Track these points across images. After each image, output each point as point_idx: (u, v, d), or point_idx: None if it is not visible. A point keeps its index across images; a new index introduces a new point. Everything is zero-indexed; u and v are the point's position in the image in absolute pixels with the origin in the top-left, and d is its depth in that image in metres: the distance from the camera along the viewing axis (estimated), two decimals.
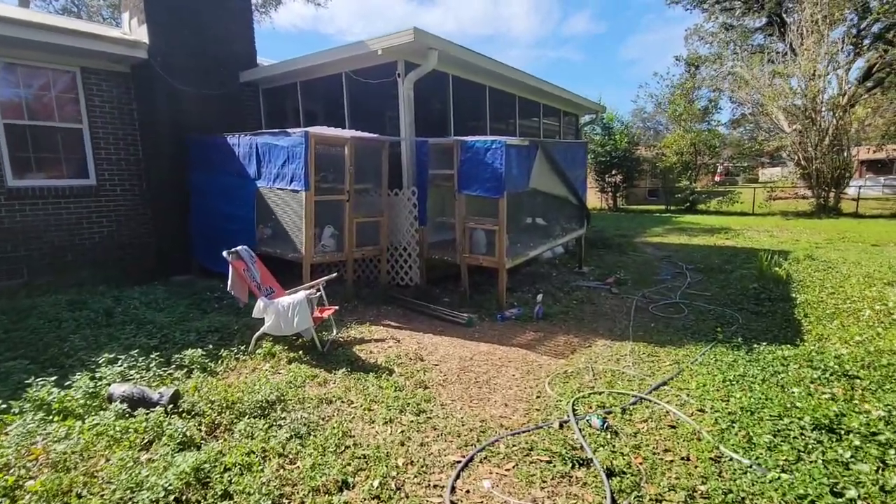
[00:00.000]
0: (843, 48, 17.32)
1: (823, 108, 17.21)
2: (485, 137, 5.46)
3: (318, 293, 4.10)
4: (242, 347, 4.27)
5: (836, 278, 7.09)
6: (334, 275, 4.82)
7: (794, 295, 6.30)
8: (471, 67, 7.34)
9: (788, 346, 4.42)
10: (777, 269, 7.48)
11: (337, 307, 4.75)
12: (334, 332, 4.81)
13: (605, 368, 4.02)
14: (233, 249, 4.45)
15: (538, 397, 3.50)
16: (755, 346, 4.45)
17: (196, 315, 5.26)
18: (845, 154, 17.68)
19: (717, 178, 31.77)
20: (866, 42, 19.32)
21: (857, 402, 3.27)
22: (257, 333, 4.20)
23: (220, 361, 4.00)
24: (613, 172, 22.45)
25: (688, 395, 3.49)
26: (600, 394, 3.53)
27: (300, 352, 4.21)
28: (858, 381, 3.64)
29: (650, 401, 3.41)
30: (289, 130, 5.34)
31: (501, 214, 5.41)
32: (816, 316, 5.30)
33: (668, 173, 22.10)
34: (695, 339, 4.78)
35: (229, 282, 4.39)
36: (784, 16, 25.64)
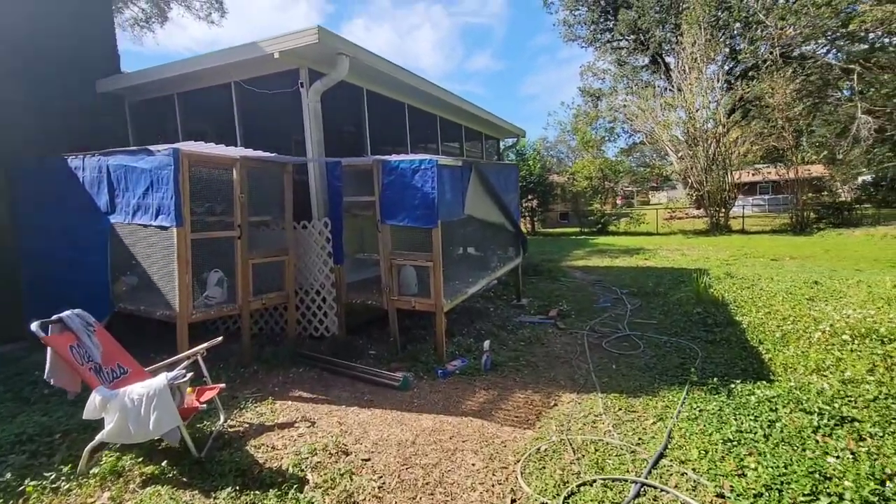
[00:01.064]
0: (718, 83, 19.32)
1: (707, 136, 18.89)
2: (411, 156, 4.57)
3: (187, 377, 2.82)
4: (69, 468, 2.81)
5: (763, 296, 7.11)
6: (217, 340, 3.53)
7: (737, 318, 6.08)
8: (388, 81, 6.48)
9: (764, 382, 3.97)
10: (711, 290, 7.37)
11: (223, 385, 3.45)
12: (221, 418, 3.49)
13: (585, 439, 3.19)
14: (55, 317, 3.03)
15: (514, 502, 2.54)
16: (731, 385, 3.93)
17: (8, 409, 3.63)
18: (728, 177, 19.50)
19: (618, 201, 33.99)
20: (734, 80, 21.85)
21: (881, 458, 2.74)
22: (91, 443, 2.79)
23: (23, 500, 2.54)
24: (530, 197, 22.85)
25: (694, 471, 2.75)
26: (592, 484, 2.66)
27: (164, 462, 2.86)
28: (859, 424, 3.18)
29: (655, 487, 2.61)
30: (151, 148, 4.01)
31: (436, 247, 4.50)
32: (771, 341, 4.99)
33: (579, 197, 22.93)
34: (665, 381, 4.17)
35: (47, 366, 2.95)
36: (664, 56, 28.59)
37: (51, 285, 5.08)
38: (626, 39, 28.62)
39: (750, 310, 6.46)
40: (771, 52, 19.49)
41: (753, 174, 21.57)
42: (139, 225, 4.20)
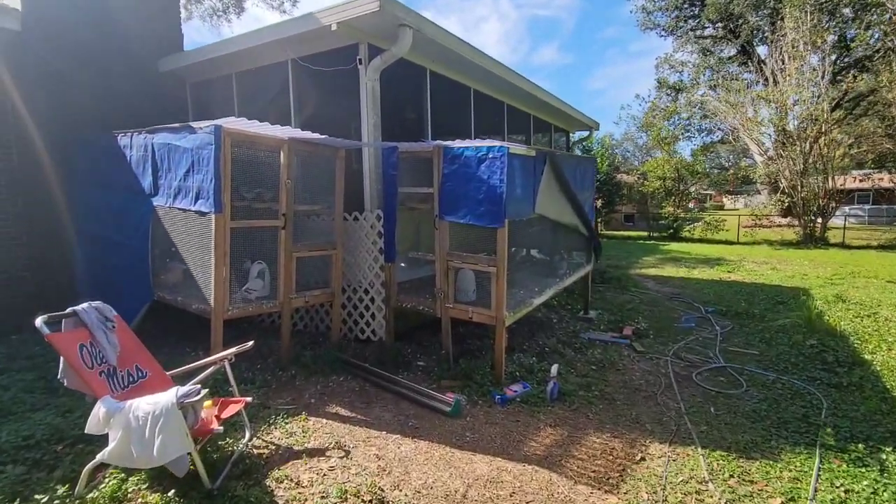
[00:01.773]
0: (823, 76, 17.00)
1: (806, 135, 16.70)
2: (477, 143, 3.92)
3: (201, 394, 2.36)
4: (65, 488, 2.45)
5: (889, 328, 5.85)
6: (248, 345, 3.08)
7: (863, 356, 4.95)
8: (453, 60, 5.85)
9: None
10: (828, 318, 6.17)
11: (249, 399, 3.00)
12: (246, 436, 3.05)
13: None
14: (69, 310, 2.69)
15: None
16: (881, 454, 2.98)
17: (33, 401, 3.40)
18: (828, 182, 17.19)
19: (692, 205, 31.53)
20: (841, 72, 19.23)
21: None
22: (91, 463, 2.41)
23: None
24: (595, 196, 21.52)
25: None
26: None
27: (172, 490, 2.44)
28: None
29: None
30: (194, 125, 3.64)
31: (501, 251, 3.84)
32: None
33: (649, 198, 21.26)
34: (786, 438, 3.27)
35: (60, 365, 2.61)
36: (755, 46, 25.87)
37: (99, 267, 4.95)
38: (714, 27, 26.18)
39: (878, 346, 5.27)
40: (891, 41, 16.86)
41: (861, 180, 18.89)
42: (179, 209, 3.87)
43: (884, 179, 17.53)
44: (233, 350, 3.05)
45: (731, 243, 18.67)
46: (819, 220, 17.50)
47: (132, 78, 5.99)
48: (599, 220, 22.44)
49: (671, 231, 20.28)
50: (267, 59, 5.59)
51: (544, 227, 5.31)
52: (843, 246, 17.08)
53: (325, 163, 4.52)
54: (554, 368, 3.92)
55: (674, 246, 17.73)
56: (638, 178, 23.32)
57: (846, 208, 25.88)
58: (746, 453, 3.08)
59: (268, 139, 3.90)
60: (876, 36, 18.32)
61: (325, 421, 3.43)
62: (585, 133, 11.84)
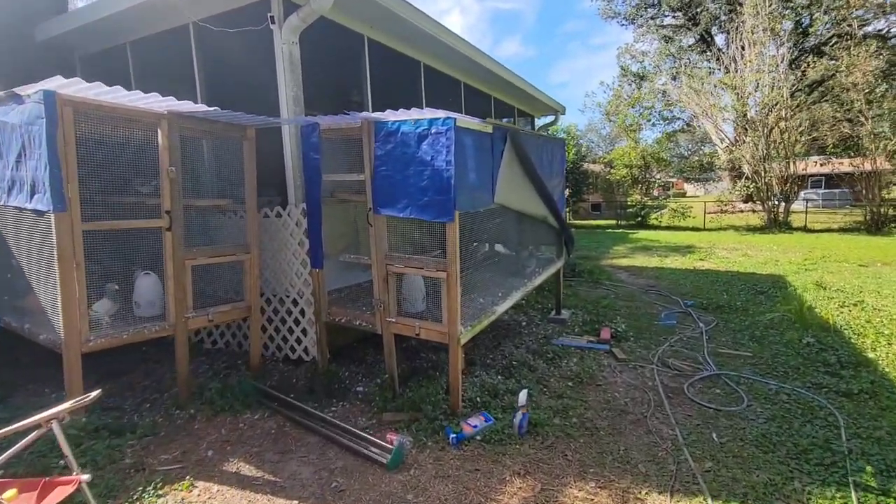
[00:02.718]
0: (782, 61, 16.97)
1: (768, 121, 16.65)
2: (417, 115, 3.08)
3: None
4: None
5: (884, 320, 5.40)
6: (91, 396, 2.16)
7: (865, 353, 4.43)
8: (397, 27, 4.98)
9: None
10: (818, 310, 5.67)
11: (86, 477, 2.08)
12: None
13: None
14: None
15: None
16: None
17: None
18: (791, 167, 17.23)
19: (655, 192, 31.71)
20: (799, 57, 19.37)
21: None
22: None
23: None
24: None
25: None
26: None
27: None
28: None
29: None
30: (21, 90, 2.65)
31: (452, 251, 3.02)
32: None
33: (616, 187, 20.97)
34: (808, 473, 2.61)
35: None
36: (713, 35, 26.01)
37: None
38: (674, 15, 26.14)
39: (877, 341, 4.78)
40: (849, 25, 16.97)
41: (822, 164, 19.07)
42: (14, 208, 2.87)
43: (844, 164, 17.73)
44: (65, 406, 2.12)
45: (699, 230, 18.56)
46: (782, 204, 17.55)
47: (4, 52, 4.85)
48: (568, 209, 22.02)
49: (639, 219, 20.04)
50: (164, 24, 4.57)
51: (508, 219, 4.53)
52: (805, 230, 17.18)
53: (232, 146, 3.59)
54: (522, 395, 3.14)
55: (643, 234, 17.44)
56: (604, 166, 23.03)
57: (801, 193, 26.47)
58: (767, 502, 2.39)
59: (134, 111, 2.94)
60: (832, 20, 18.46)
61: (217, 488, 2.54)
62: (551, 118, 11.18)
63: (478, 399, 3.45)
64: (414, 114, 3.05)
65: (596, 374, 4.09)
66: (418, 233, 3.46)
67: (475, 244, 4.11)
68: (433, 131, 2.96)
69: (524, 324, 5.62)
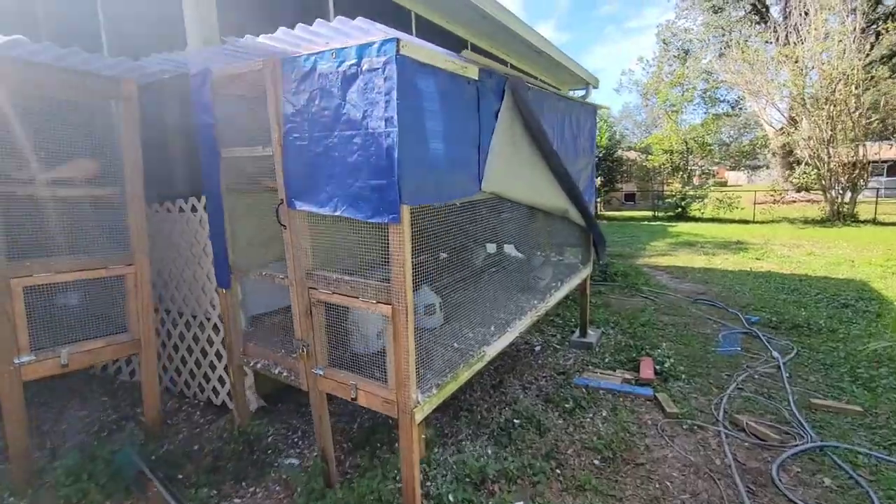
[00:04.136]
0: (855, 27, 14.72)
1: (837, 95, 14.51)
2: (343, 41, 1.84)
3: None
4: None
5: None
6: None
7: None
8: None
9: None
10: None
11: None
12: None
13: None
14: None
15: None
16: None
17: None
18: (862, 151, 15.06)
19: (695, 181, 29.48)
20: (878, 22, 16.94)
21: None
22: None
23: None
24: None
25: None
26: None
27: None
28: None
29: None
30: None
31: (400, 270, 1.81)
32: None
33: (654, 175, 19.13)
34: None
35: None
36: (767, 3, 23.43)
37: None
38: None
39: None
40: None
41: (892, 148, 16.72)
42: None
43: None
44: None
45: (748, 222, 16.62)
46: (847, 194, 15.43)
47: None
48: (599, 200, 20.31)
49: (678, 210, 18.20)
50: None
51: (512, 213, 3.26)
52: (875, 223, 15.05)
53: (97, 110, 2.47)
54: None
55: (683, 227, 15.68)
56: (640, 153, 21.14)
57: (871, 181, 23.65)
58: None
59: None
60: None
61: None
62: (581, 92, 9.69)
63: (450, 499, 2.25)
64: (343, 41, 1.82)
65: (635, 444, 2.81)
66: (366, 239, 2.25)
67: (459, 244, 2.87)
68: (364, 67, 1.73)
69: (538, 349, 4.37)
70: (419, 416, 1.95)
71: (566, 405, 3.22)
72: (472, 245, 3.45)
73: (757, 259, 9.25)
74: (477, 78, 2.20)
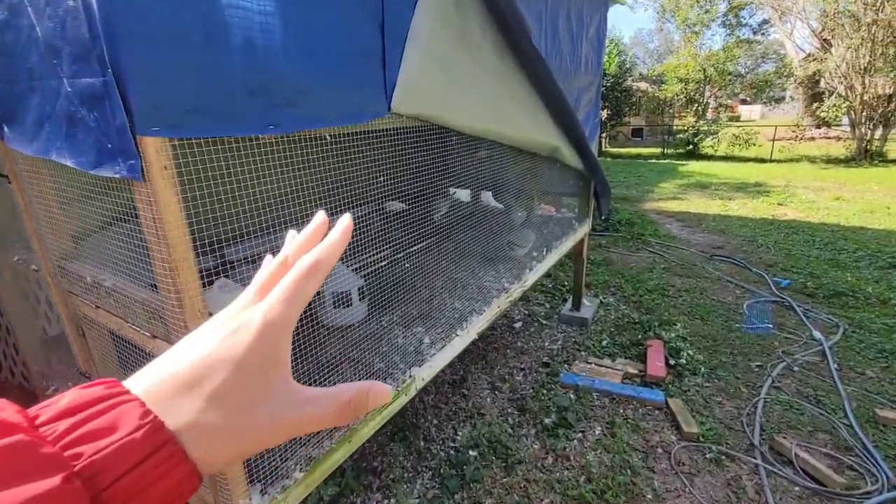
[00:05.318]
0: None
1: (883, 13, 12.69)
2: None
3: None
4: None
5: None
6: None
7: None
8: None
9: None
10: None
11: None
12: None
13: None
14: None
15: None
16: None
17: None
18: None
19: (710, 115, 27.62)
20: None
21: None
22: None
23: None
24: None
25: None
26: None
27: None
28: None
29: None
30: None
31: (171, 282, 0.84)
32: None
33: (665, 108, 17.52)
34: None
35: None
36: None
37: None
38: None
39: None
40: None
41: None
42: None
43: None
44: None
45: (764, 161, 15.33)
46: (879, 130, 14.02)
47: None
48: (604, 134, 18.77)
49: (689, 147, 16.81)
50: None
51: (496, 153, 2.20)
52: None
53: None
54: None
55: (695, 166, 14.45)
56: (652, 83, 19.30)
57: None
58: None
59: None
60: None
61: None
62: None
63: None
64: None
65: (639, 489, 1.97)
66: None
67: (425, 196, 1.87)
68: None
69: (518, 326, 3.49)
70: None
71: (546, 419, 2.37)
72: (429, 193, 2.41)
73: (779, 204, 8.20)
74: None
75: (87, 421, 0.23)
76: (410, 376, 1.57)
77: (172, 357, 0.27)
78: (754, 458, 2.15)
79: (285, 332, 0.28)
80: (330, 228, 0.32)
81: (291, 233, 0.34)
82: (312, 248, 0.31)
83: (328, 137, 1.14)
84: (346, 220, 0.31)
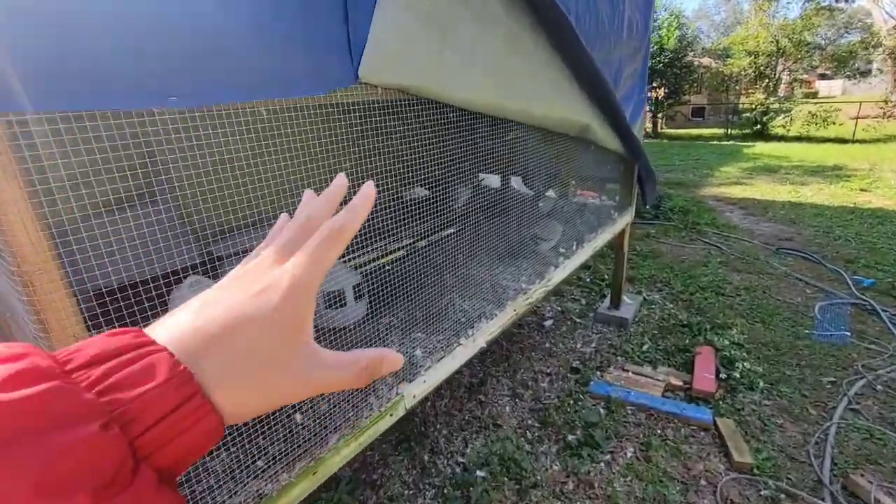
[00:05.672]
0: None
1: None
2: None
3: None
4: None
5: None
6: None
7: None
8: None
9: None
10: None
11: None
12: None
13: None
14: None
15: None
16: None
17: None
18: None
19: (782, 92, 25.28)
20: None
21: None
22: None
23: None
24: (654, 84, 16.48)
25: None
26: None
27: None
28: None
29: None
30: None
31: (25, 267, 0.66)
32: None
33: (731, 84, 16.10)
34: None
35: None
36: None
37: None
38: None
39: None
40: None
41: None
42: None
43: None
44: None
45: (845, 141, 13.81)
46: None
47: None
48: (661, 114, 17.55)
49: (757, 127, 15.40)
50: None
51: (527, 136, 1.91)
52: None
53: None
54: None
55: (763, 148, 13.20)
56: (716, 59, 17.77)
57: None
58: None
59: None
60: None
61: None
62: None
63: None
64: None
65: None
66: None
67: (444, 184, 1.65)
68: None
69: (548, 324, 3.19)
70: None
71: (570, 435, 2.10)
72: (449, 180, 2.15)
73: (862, 190, 7.27)
74: None
75: (119, 368, 0.23)
76: (398, 393, 1.36)
77: (194, 310, 0.27)
78: (822, 499, 1.79)
79: (310, 295, 0.28)
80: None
81: (309, 192, 0.34)
82: (332, 210, 0.31)
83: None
84: (369, 187, 0.32)
